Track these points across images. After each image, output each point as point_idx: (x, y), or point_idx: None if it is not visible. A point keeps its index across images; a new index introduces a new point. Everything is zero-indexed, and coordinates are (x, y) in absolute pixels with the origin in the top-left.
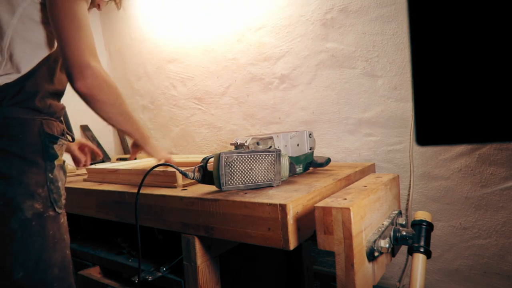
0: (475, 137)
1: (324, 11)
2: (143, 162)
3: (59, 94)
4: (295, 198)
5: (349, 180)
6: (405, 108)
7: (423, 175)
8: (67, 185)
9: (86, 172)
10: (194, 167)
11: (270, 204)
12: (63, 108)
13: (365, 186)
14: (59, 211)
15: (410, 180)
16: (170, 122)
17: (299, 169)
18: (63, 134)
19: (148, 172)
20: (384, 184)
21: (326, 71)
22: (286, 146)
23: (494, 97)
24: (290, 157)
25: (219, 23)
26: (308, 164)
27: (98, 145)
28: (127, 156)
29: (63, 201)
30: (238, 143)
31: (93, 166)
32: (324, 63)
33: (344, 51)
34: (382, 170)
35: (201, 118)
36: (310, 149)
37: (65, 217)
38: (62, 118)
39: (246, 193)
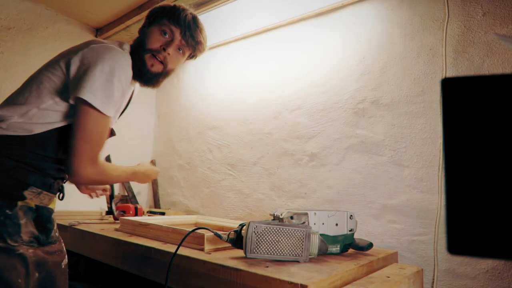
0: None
1: (356, 101)
2: (172, 218)
3: (57, 159)
4: (317, 280)
5: (371, 267)
6: (431, 200)
7: (448, 271)
8: (99, 232)
9: (119, 222)
10: (229, 231)
11: (292, 283)
12: (61, 170)
13: (388, 277)
14: (13, 244)
15: (434, 275)
16: (202, 183)
17: (335, 249)
18: (48, 188)
19: (187, 235)
20: (407, 278)
21: (354, 155)
22: (323, 224)
23: None
24: (326, 236)
25: (259, 101)
26: (347, 246)
27: (133, 195)
28: (157, 210)
29: (25, 238)
30: (275, 215)
31: (126, 217)
32: (353, 148)
33: (373, 139)
34: (404, 260)
35: (231, 183)
36: (350, 231)
37: (30, 252)
38: (59, 176)
39: (267, 266)
